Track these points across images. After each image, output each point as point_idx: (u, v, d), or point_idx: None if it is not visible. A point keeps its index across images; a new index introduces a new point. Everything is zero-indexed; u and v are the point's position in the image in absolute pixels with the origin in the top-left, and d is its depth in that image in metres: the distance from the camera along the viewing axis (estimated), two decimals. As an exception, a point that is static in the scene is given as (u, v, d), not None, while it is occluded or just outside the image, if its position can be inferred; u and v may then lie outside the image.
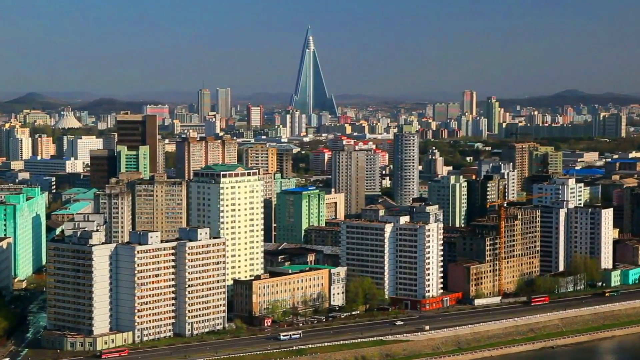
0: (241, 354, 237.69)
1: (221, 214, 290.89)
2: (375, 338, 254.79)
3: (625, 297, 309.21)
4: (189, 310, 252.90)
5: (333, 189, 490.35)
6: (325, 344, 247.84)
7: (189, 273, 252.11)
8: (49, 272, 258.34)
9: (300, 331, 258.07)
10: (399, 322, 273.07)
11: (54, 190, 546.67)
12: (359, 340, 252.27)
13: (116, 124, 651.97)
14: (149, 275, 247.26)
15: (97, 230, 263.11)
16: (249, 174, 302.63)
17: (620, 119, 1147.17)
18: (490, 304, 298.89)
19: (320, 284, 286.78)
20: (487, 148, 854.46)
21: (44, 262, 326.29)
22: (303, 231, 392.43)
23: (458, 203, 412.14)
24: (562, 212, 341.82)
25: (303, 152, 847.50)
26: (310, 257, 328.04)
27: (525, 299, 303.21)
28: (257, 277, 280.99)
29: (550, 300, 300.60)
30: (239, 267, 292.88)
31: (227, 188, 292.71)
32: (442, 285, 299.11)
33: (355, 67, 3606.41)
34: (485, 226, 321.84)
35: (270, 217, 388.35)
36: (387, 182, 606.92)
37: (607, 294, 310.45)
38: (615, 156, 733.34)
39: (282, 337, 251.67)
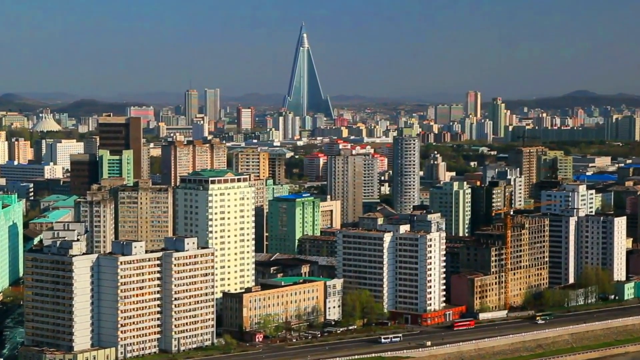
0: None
1: (210, 223, 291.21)
2: (373, 354, 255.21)
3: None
4: (175, 325, 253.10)
5: (329, 196, 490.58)
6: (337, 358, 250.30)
7: (175, 285, 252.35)
8: (26, 285, 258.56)
9: (400, 334, 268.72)
10: (540, 321, 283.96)
11: (32, 197, 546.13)
12: (356, 356, 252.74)
13: (98, 127, 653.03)
14: (133, 288, 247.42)
15: (78, 240, 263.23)
16: (239, 180, 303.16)
17: (633, 121, 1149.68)
18: (496, 318, 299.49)
19: (315, 297, 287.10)
20: (492, 152, 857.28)
21: (21, 274, 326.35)
22: (297, 241, 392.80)
23: (461, 211, 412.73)
24: (572, 221, 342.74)
25: (297, 156, 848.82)
26: (305, 269, 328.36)
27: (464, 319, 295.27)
28: (248, 290, 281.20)
29: (476, 325, 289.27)
30: (228, 279, 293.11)
31: (216, 195, 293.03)
32: (444, 299, 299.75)
33: (353, 66, 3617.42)
34: (490, 235, 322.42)
35: (261, 225, 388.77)
36: (386, 189, 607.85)
37: (538, 319, 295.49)
38: (629, 161, 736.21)
39: (382, 341, 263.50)
